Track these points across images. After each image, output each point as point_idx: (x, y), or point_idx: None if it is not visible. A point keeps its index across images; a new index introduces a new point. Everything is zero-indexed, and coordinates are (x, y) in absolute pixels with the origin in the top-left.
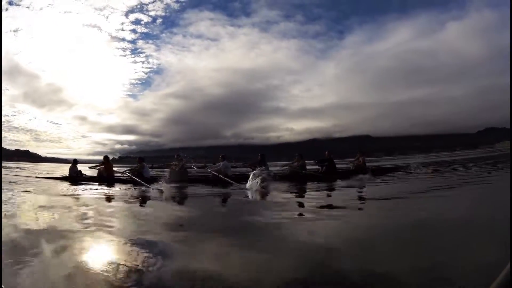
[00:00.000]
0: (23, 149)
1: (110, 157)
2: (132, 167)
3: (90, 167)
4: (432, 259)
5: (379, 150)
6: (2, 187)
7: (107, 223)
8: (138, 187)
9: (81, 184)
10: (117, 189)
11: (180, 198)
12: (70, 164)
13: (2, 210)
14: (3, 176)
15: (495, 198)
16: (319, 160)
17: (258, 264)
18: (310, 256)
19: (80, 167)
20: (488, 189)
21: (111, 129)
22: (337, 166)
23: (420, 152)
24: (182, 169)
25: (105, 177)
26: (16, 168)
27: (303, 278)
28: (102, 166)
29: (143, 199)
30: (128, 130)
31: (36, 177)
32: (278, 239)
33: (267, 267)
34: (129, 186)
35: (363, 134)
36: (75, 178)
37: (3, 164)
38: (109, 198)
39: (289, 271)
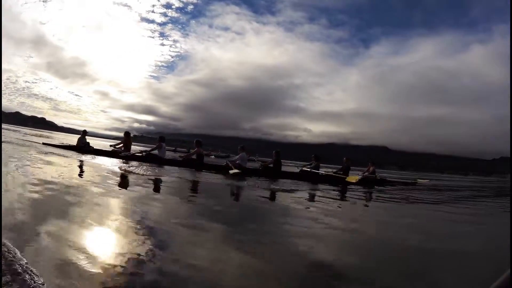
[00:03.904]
0: (39, 116)
1: None
2: (151, 147)
3: (111, 145)
4: (429, 273)
5: (394, 163)
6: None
7: (104, 202)
8: (150, 166)
9: (87, 155)
10: (126, 165)
11: (190, 184)
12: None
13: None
14: (11, 138)
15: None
16: (338, 169)
17: (253, 267)
18: (308, 264)
19: (92, 140)
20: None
21: (131, 107)
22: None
23: (434, 171)
24: (200, 156)
25: (123, 152)
26: (25, 134)
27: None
28: (121, 144)
29: (151, 181)
30: (148, 110)
31: (43, 143)
32: (277, 241)
33: (262, 272)
34: (143, 163)
35: (381, 145)
36: (83, 148)
37: (15, 128)
38: (113, 173)
39: (285, 279)
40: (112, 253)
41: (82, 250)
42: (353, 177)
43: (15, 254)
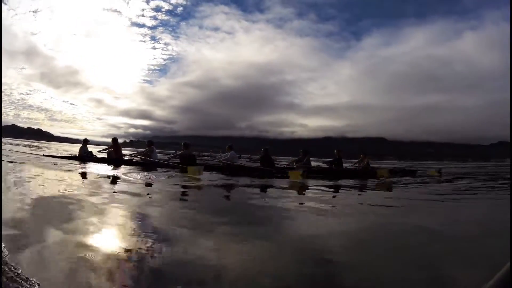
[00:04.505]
0: (35, 127)
1: (122, 140)
2: (141, 151)
3: (99, 151)
4: (429, 263)
5: (392, 153)
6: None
7: (109, 205)
8: (147, 169)
9: (90, 164)
10: (125, 171)
11: (188, 184)
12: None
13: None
14: (10, 152)
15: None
16: (329, 161)
17: (256, 262)
18: (308, 257)
19: (92, 148)
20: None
21: (126, 113)
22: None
23: (432, 159)
24: (191, 156)
25: (114, 159)
26: (24, 145)
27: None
28: (111, 149)
29: (150, 183)
30: (143, 115)
31: (44, 155)
32: (277, 236)
33: (264, 266)
34: (138, 167)
35: (378, 136)
36: (85, 158)
37: (12, 141)
38: (115, 180)
39: (284, 272)
40: (115, 259)
41: (83, 258)
42: (383, 171)
43: (14, 264)
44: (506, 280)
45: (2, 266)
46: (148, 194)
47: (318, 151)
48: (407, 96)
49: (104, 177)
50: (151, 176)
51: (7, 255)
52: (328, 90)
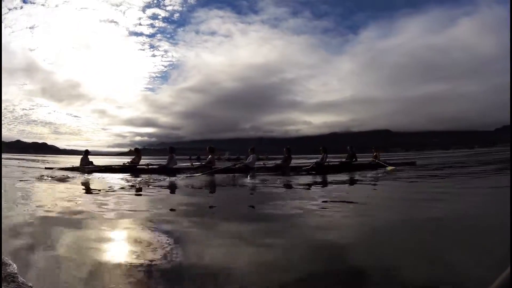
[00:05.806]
0: (41, 141)
1: (127, 149)
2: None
3: (124, 163)
4: (433, 259)
5: (398, 145)
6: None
7: (121, 211)
8: (161, 177)
9: (93, 173)
10: (137, 179)
11: (203, 187)
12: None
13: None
14: (13, 167)
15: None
16: (348, 156)
17: (268, 259)
18: (320, 252)
19: (98, 158)
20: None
21: (130, 121)
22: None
23: (439, 148)
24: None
25: (130, 167)
26: (26, 159)
27: (312, 275)
28: (135, 158)
29: (163, 188)
30: (148, 122)
31: (46, 168)
32: (290, 232)
33: (277, 262)
34: (150, 176)
35: (383, 128)
36: (86, 168)
37: (17, 156)
38: (129, 187)
39: (298, 267)
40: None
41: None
42: (390, 167)
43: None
44: (506, 285)
45: (14, 281)
46: (160, 199)
47: (326, 147)
48: (408, 86)
49: (110, 187)
50: (164, 182)
51: (15, 269)
52: (330, 86)
